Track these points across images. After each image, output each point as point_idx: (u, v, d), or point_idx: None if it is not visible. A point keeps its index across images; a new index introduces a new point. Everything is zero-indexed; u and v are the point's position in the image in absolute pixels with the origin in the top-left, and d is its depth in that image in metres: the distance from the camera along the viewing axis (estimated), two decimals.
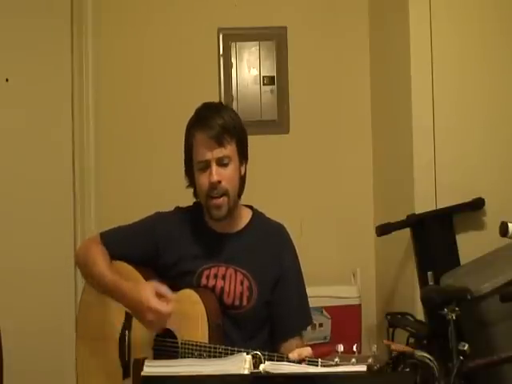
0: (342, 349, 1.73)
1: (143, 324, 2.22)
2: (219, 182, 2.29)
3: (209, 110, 2.37)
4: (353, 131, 3.91)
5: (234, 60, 3.87)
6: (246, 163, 2.40)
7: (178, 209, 2.48)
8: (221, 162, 2.30)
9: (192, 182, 2.38)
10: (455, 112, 3.28)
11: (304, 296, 2.44)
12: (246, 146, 2.39)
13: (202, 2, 3.88)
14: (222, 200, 2.31)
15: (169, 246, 2.39)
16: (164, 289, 2.20)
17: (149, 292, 2.17)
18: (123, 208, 3.65)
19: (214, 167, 2.29)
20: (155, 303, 2.15)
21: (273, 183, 3.81)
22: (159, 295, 2.18)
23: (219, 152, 2.29)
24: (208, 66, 3.86)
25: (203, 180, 2.31)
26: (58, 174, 3.73)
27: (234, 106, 3.83)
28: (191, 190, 2.42)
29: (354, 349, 1.73)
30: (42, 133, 3.70)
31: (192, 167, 2.36)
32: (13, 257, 3.55)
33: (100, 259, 2.35)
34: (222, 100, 3.82)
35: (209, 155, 2.29)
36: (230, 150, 2.31)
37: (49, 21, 3.72)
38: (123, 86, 3.85)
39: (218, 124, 2.29)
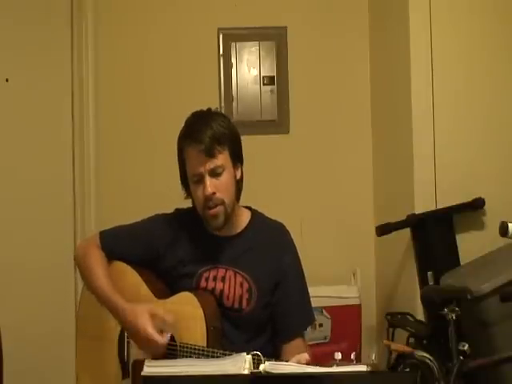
0: (340, 357, 1.73)
1: (138, 347, 2.23)
2: (214, 193, 2.28)
3: (197, 120, 2.34)
4: (353, 131, 3.91)
5: (234, 60, 3.86)
6: (242, 165, 2.39)
7: (177, 211, 2.47)
8: (214, 173, 2.28)
9: (189, 193, 2.37)
10: (455, 112, 3.28)
11: (306, 295, 2.43)
12: (240, 149, 2.38)
13: (202, 1, 3.88)
14: (218, 209, 2.30)
15: (169, 249, 2.38)
16: (161, 311, 2.21)
17: (146, 319, 2.18)
18: (123, 208, 3.65)
19: (208, 179, 2.27)
20: (152, 333, 2.16)
21: (273, 183, 3.81)
22: (155, 317, 2.19)
23: (211, 163, 2.27)
24: (208, 66, 3.86)
25: (198, 193, 2.30)
26: (58, 174, 3.73)
27: (234, 106, 3.83)
28: None
29: (352, 357, 1.73)
30: (42, 133, 3.70)
31: (187, 180, 2.35)
32: (13, 256, 3.55)
33: (99, 271, 2.34)
34: (222, 100, 3.82)
35: (201, 168, 2.27)
36: (222, 158, 2.29)
37: (49, 21, 3.72)
38: (123, 85, 3.84)
39: (207, 136, 2.26)
